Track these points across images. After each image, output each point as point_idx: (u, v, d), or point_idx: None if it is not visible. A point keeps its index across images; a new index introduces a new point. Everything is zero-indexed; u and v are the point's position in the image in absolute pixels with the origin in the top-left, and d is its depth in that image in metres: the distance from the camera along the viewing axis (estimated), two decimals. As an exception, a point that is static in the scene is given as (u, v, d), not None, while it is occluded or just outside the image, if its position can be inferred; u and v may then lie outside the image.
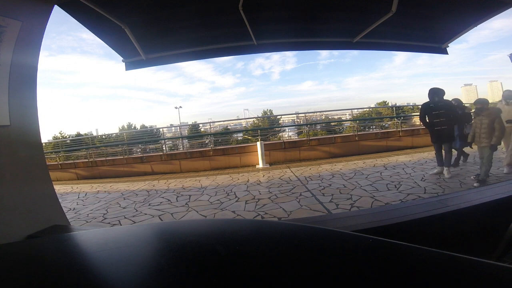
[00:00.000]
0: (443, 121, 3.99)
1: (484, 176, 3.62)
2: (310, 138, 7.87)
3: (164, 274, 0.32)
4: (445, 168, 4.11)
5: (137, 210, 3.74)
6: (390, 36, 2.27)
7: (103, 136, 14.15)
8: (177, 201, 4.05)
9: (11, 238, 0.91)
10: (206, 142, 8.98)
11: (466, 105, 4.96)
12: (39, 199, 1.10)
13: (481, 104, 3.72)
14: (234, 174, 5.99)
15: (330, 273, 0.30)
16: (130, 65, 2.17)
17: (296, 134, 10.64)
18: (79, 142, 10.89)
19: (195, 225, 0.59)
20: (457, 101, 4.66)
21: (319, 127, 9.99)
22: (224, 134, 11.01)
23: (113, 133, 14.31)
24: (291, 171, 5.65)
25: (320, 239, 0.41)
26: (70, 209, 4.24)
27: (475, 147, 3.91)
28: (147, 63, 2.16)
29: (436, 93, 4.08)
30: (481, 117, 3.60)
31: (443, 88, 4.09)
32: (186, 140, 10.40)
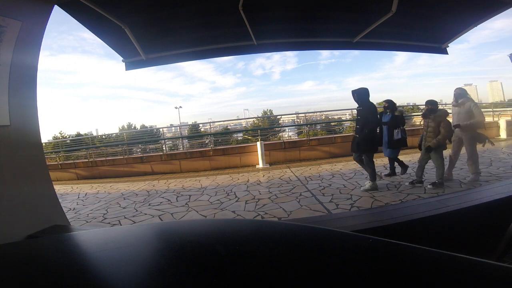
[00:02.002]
0: (357, 129, 3.46)
1: (439, 179, 3.43)
2: (310, 138, 7.87)
3: (164, 274, 0.32)
4: (369, 182, 3.60)
5: (137, 210, 3.74)
6: (390, 36, 2.27)
7: (103, 136, 14.15)
8: (177, 201, 4.05)
9: (11, 238, 0.91)
10: (206, 142, 8.98)
11: (399, 107, 4.48)
12: (39, 199, 1.10)
13: (431, 105, 3.50)
14: (234, 174, 5.98)
15: (330, 273, 0.30)
16: (130, 65, 2.17)
17: (296, 134, 10.64)
18: (79, 142, 10.89)
19: (195, 225, 0.59)
20: (389, 102, 4.28)
21: (319, 127, 9.99)
22: (224, 134, 11.01)
23: (113, 133, 14.31)
24: (291, 171, 5.64)
25: (320, 239, 0.41)
26: (70, 209, 4.24)
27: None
28: (147, 63, 2.17)
29: (358, 94, 3.50)
30: (428, 120, 3.42)
31: (366, 87, 3.51)
32: (186, 140, 10.40)
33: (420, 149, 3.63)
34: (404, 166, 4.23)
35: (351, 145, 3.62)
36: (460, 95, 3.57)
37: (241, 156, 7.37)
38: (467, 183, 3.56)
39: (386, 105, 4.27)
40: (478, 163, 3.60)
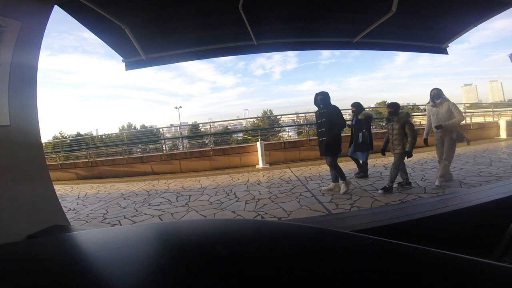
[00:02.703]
0: (323, 131, 3.46)
1: (390, 183, 3.43)
2: (310, 138, 7.86)
3: (164, 274, 0.32)
4: (332, 183, 3.68)
5: (137, 210, 3.74)
6: (390, 36, 2.27)
7: (103, 136, 14.15)
8: (177, 201, 4.05)
9: (11, 238, 0.91)
10: (206, 142, 8.98)
11: (367, 110, 4.51)
12: (39, 199, 1.10)
13: (393, 108, 3.52)
14: (234, 174, 5.98)
15: (330, 273, 0.30)
16: (130, 65, 2.17)
17: (296, 134, 10.64)
18: (79, 142, 10.89)
19: (195, 225, 0.59)
20: (357, 105, 4.33)
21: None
22: (224, 134, 11.01)
23: (113, 133, 14.31)
24: (291, 171, 5.64)
25: (320, 239, 0.41)
26: (70, 209, 4.24)
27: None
28: (147, 63, 2.17)
29: (323, 97, 3.51)
30: (393, 123, 3.43)
31: (326, 91, 3.57)
32: (186, 140, 10.40)
33: (383, 153, 3.70)
34: (365, 171, 4.38)
35: (319, 148, 3.61)
36: (437, 95, 3.55)
37: (241, 156, 7.37)
38: (434, 188, 3.49)
39: (353, 109, 4.36)
40: (447, 167, 3.54)
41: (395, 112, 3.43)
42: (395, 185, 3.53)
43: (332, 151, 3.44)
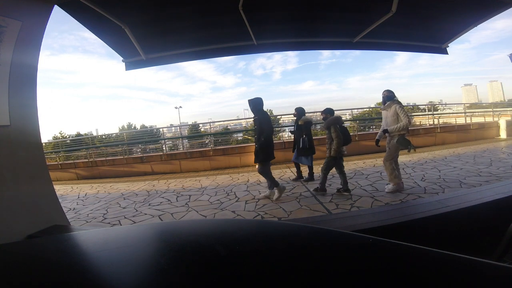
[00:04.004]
0: (256, 138, 3.45)
1: (345, 185, 3.48)
2: (408, 127, 7.80)
3: (164, 274, 0.32)
4: (268, 190, 3.60)
5: (137, 210, 3.74)
6: (390, 36, 2.27)
7: (103, 136, 14.15)
8: (177, 201, 4.05)
9: (11, 238, 0.91)
10: (206, 142, 8.98)
11: (307, 115, 4.52)
12: (39, 199, 1.10)
13: (324, 114, 3.53)
14: (234, 174, 5.98)
15: (330, 273, 0.30)
16: (130, 65, 2.17)
17: (296, 134, 10.62)
18: (79, 142, 10.89)
19: (195, 225, 0.59)
20: (298, 110, 4.30)
21: (319, 127, 9.99)
22: (224, 134, 11.01)
23: (113, 133, 14.31)
24: (291, 171, 5.64)
25: (320, 239, 0.41)
26: (70, 209, 4.23)
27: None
28: (147, 63, 2.17)
29: (253, 103, 3.47)
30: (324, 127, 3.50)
31: (260, 97, 3.52)
32: (186, 140, 10.40)
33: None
34: (311, 175, 4.36)
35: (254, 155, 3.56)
36: (388, 97, 3.44)
37: (241, 156, 7.36)
38: (387, 192, 3.45)
39: (295, 114, 4.38)
40: (394, 168, 3.42)
41: (326, 118, 3.55)
42: (335, 191, 3.59)
43: (261, 158, 3.42)
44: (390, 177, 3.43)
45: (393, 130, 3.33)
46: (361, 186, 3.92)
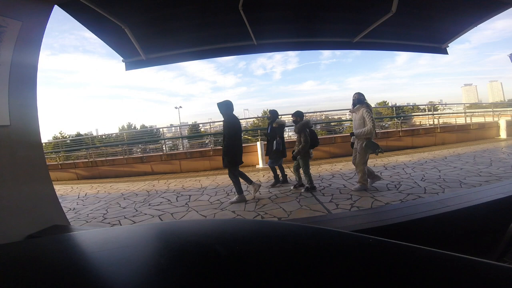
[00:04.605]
0: (223, 142, 3.48)
1: (310, 184, 3.71)
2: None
3: (164, 274, 0.32)
4: (236, 196, 3.60)
5: (137, 210, 3.74)
6: (390, 36, 2.27)
7: (103, 136, 14.15)
8: (177, 201, 4.05)
9: (11, 238, 0.91)
10: (206, 142, 8.98)
11: (280, 118, 4.51)
12: (39, 199, 1.10)
13: (294, 117, 3.60)
14: (234, 174, 5.97)
15: (330, 273, 0.30)
16: (130, 65, 2.17)
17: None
18: (79, 142, 10.89)
19: (195, 225, 0.59)
20: (272, 113, 4.31)
21: (319, 127, 10.00)
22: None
23: (113, 133, 14.31)
24: (291, 171, 5.64)
25: (320, 239, 0.41)
26: (70, 209, 4.24)
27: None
28: (147, 63, 2.17)
29: (221, 106, 3.46)
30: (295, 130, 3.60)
31: (230, 100, 3.52)
32: (186, 140, 10.40)
33: (294, 159, 3.92)
34: (276, 178, 4.37)
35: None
36: (358, 100, 3.47)
37: (241, 156, 7.36)
38: (353, 190, 3.62)
39: (269, 116, 4.39)
40: (365, 172, 3.54)
41: (297, 122, 3.65)
42: (291, 187, 3.82)
43: (226, 162, 3.45)
44: (361, 179, 3.58)
45: (359, 134, 3.40)
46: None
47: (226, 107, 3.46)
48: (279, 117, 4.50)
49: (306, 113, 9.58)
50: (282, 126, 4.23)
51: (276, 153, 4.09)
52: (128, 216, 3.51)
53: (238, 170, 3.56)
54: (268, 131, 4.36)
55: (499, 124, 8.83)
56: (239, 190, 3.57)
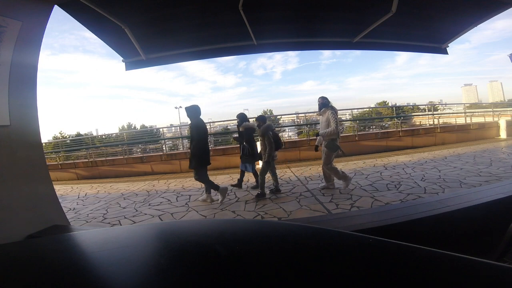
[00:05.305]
0: (190, 144, 3.54)
1: (276, 187, 3.76)
2: (310, 138, 7.86)
3: (164, 274, 0.32)
4: (205, 194, 3.73)
5: (137, 210, 3.74)
6: (390, 36, 2.27)
7: (103, 136, 14.15)
8: (177, 201, 4.05)
9: (11, 238, 0.91)
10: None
11: (251, 121, 4.40)
12: (39, 199, 1.10)
13: (258, 121, 3.69)
14: (234, 174, 5.97)
15: (330, 273, 0.30)
16: (130, 65, 2.17)
17: (296, 134, 10.64)
18: (79, 142, 10.89)
19: (195, 225, 0.59)
20: (239, 117, 4.25)
21: (319, 127, 9.99)
22: (224, 134, 11.00)
23: (113, 133, 14.31)
24: (291, 171, 5.65)
25: (320, 239, 0.41)
26: (70, 209, 4.23)
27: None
28: (147, 63, 2.17)
29: (188, 110, 3.57)
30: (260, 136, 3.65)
31: (197, 105, 3.59)
32: (186, 140, 10.40)
33: (243, 162, 3.99)
34: (239, 182, 4.36)
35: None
36: (323, 104, 3.63)
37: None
38: (342, 189, 3.71)
39: (237, 120, 4.35)
40: (336, 168, 3.69)
41: (260, 125, 3.71)
42: (267, 191, 3.79)
43: (194, 165, 3.50)
44: (338, 176, 3.70)
45: (323, 134, 3.56)
46: (361, 186, 3.92)
47: (193, 111, 3.56)
48: (265, 121, 4.48)
49: (306, 113, 9.59)
50: (249, 129, 4.12)
51: (245, 158, 4.02)
52: (128, 216, 3.51)
53: (205, 173, 3.65)
54: (238, 134, 4.32)
55: (499, 124, 8.83)
56: (215, 186, 3.64)
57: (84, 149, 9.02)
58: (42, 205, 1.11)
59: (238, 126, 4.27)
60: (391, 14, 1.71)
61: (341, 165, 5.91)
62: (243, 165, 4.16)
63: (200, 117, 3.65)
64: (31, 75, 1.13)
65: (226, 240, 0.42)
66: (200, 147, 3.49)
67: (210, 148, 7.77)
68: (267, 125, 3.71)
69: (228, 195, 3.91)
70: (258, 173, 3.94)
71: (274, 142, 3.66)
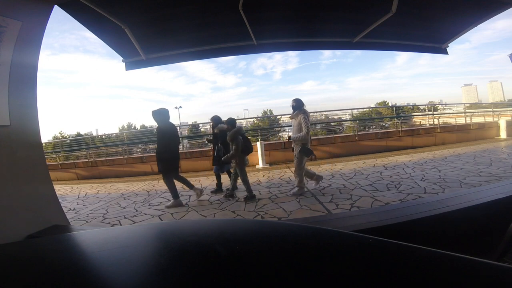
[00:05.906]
0: (157, 148, 3.54)
1: (249, 193, 3.66)
2: (310, 138, 7.86)
3: (164, 274, 0.32)
4: (172, 200, 3.71)
5: (137, 210, 3.74)
6: (390, 36, 2.27)
7: (103, 136, 14.15)
8: (177, 201, 4.04)
9: (11, 238, 0.91)
10: (207, 142, 8.97)
11: (223, 125, 4.27)
12: (39, 199, 1.10)
13: (227, 125, 3.67)
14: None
15: (330, 273, 0.30)
16: (130, 65, 2.17)
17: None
18: (79, 142, 10.89)
19: (195, 225, 0.59)
20: (214, 119, 4.21)
21: (319, 127, 9.99)
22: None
23: (113, 133, 14.31)
24: (291, 171, 5.64)
25: (320, 239, 0.41)
26: (70, 209, 4.24)
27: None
28: (147, 63, 2.17)
29: (155, 114, 3.54)
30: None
31: (166, 108, 3.63)
32: (186, 140, 10.39)
33: (213, 165, 3.99)
34: (219, 186, 4.27)
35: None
36: (296, 107, 3.57)
37: (241, 156, 7.36)
38: (290, 195, 3.70)
39: (212, 123, 4.32)
40: (303, 176, 3.67)
41: (229, 129, 3.66)
42: (224, 189, 3.83)
43: (161, 168, 3.52)
44: (299, 183, 3.67)
45: (295, 139, 3.53)
46: (361, 186, 3.92)
47: (160, 115, 3.56)
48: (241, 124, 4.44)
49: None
50: (225, 132, 4.04)
51: (218, 160, 3.96)
52: (128, 216, 3.51)
53: (177, 175, 3.66)
54: (212, 137, 4.28)
55: (499, 124, 8.84)
56: (175, 195, 3.65)
57: (84, 149, 9.02)
58: (42, 205, 1.11)
59: (213, 128, 4.22)
60: (391, 14, 1.71)
61: (341, 165, 5.91)
62: (216, 168, 4.10)
63: (170, 120, 3.63)
64: (31, 75, 1.12)
65: (226, 240, 0.42)
66: (165, 151, 3.49)
67: (210, 148, 7.76)
68: (237, 129, 3.63)
69: (226, 196, 3.89)
70: (230, 176, 3.98)
71: (244, 147, 3.59)
